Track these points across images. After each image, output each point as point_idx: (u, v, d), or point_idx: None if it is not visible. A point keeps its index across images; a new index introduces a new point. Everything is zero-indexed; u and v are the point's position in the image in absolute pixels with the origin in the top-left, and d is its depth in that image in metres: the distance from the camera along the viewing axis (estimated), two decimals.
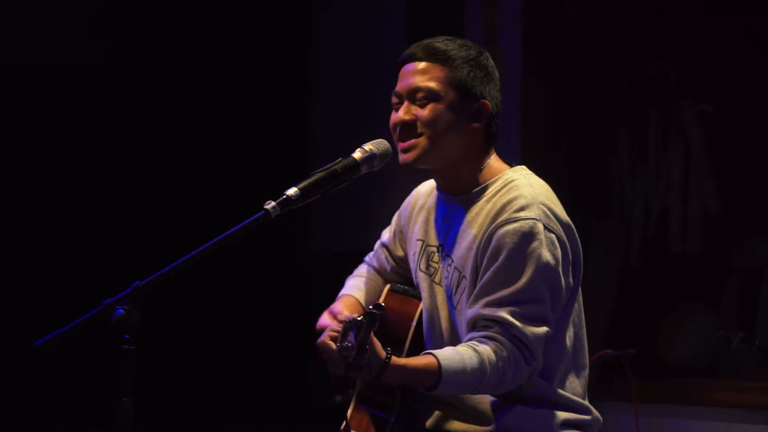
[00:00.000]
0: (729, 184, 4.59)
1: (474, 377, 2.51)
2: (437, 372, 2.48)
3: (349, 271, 3.10)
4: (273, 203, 2.53)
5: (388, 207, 3.12)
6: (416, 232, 2.87)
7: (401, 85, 2.74)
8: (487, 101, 2.72)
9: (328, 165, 2.64)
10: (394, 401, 2.73)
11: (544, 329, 2.59)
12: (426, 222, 2.85)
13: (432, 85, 2.70)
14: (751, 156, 4.52)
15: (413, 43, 2.82)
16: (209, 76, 5.20)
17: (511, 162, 2.80)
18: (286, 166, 5.24)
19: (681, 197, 4.71)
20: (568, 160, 4.89)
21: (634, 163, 4.83)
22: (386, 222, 3.07)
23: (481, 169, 2.75)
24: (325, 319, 2.77)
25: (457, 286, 2.71)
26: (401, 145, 2.73)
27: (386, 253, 3.02)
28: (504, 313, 2.56)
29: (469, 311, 2.62)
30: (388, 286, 2.86)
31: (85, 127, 4.89)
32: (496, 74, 2.77)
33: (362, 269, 3.06)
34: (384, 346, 2.48)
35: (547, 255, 2.60)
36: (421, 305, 2.80)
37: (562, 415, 2.71)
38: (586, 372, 2.77)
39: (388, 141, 2.74)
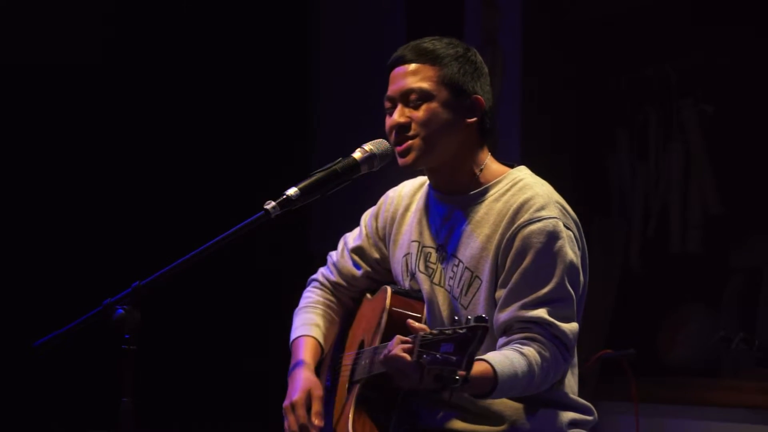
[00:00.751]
0: (729, 184, 4.58)
1: (524, 380, 2.51)
2: (493, 379, 2.44)
3: None
4: (273, 203, 2.53)
5: None
6: (409, 233, 2.84)
7: (393, 89, 2.73)
8: (479, 96, 2.72)
9: (328, 165, 2.64)
10: (394, 403, 2.73)
11: (576, 326, 2.61)
12: (420, 223, 2.83)
13: (424, 85, 2.69)
14: (751, 156, 4.51)
15: (425, 36, 2.81)
16: (209, 76, 5.19)
17: (511, 163, 2.80)
18: (286, 165, 5.24)
19: (681, 197, 4.71)
20: (568, 160, 4.88)
21: (634, 163, 4.82)
22: None
23: (481, 169, 2.74)
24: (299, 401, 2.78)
25: (469, 287, 2.70)
26: (399, 149, 2.72)
27: (356, 257, 2.98)
28: (541, 313, 2.56)
29: (502, 315, 2.61)
30: (389, 289, 2.81)
31: (86, 127, 4.89)
32: (486, 69, 2.77)
33: (311, 297, 3.03)
34: None
35: (571, 253, 2.62)
36: (425, 307, 2.78)
37: (569, 415, 2.72)
38: (577, 370, 2.78)
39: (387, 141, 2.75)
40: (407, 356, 2.33)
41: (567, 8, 4.87)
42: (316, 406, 2.79)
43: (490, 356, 2.49)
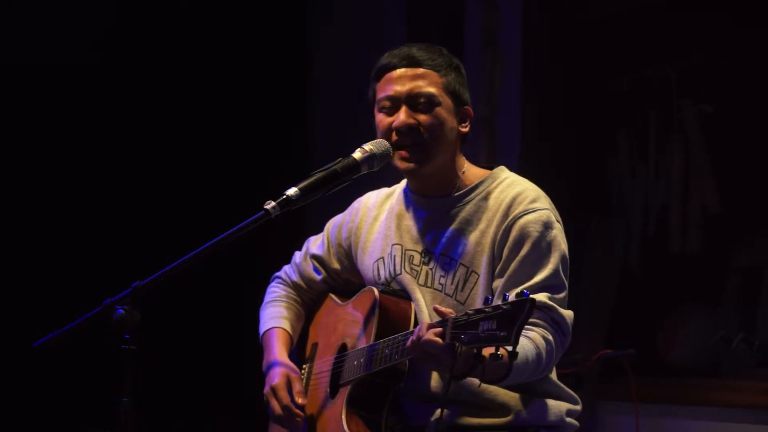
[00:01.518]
0: (729, 184, 4.58)
1: (533, 365, 2.55)
2: (508, 365, 2.46)
3: None
4: (273, 203, 2.54)
5: None
6: (382, 239, 2.89)
7: (398, 90, 2.75)
8: (469, 107, 2.82)
9: (328, 165, 2.65)
10: (386, 402, 2.74)
11: (572, 313, 2.66)
12: (399, 228, 2.87)
13: (432, 90, 2.75)
14: (751, 156, 4.51)
15: (413, 43, 2.83)
16: (209, 76, 5.19)
17: (489, 165, 2.87)
18: (286, 166, 5.24)
19: (681, 197, 4.71)
20: (569, 160, 4.88)
21: (634, 163, 4.82)
22: None
23: (464, 172, 2.81)
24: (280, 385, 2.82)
25: (465, 282, 2.74)
26: (403, 153, 2.74)
27: (316, 263, 3.07)
28: (542, 298, 2.60)
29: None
30: (376, 290, 2.83)
31: (86, 128, 4.88)
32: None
33: (276, 291, 3.13)
34: None
35: (563, 244, 2.70)
36: (413, 305, 2.81)
37: (564, 405, 2.78)
38: None
39: None
40: (439, 340, 2.35)
41: (567, 8, 4.88)
42: (297, 386, 2.84)
43: None
